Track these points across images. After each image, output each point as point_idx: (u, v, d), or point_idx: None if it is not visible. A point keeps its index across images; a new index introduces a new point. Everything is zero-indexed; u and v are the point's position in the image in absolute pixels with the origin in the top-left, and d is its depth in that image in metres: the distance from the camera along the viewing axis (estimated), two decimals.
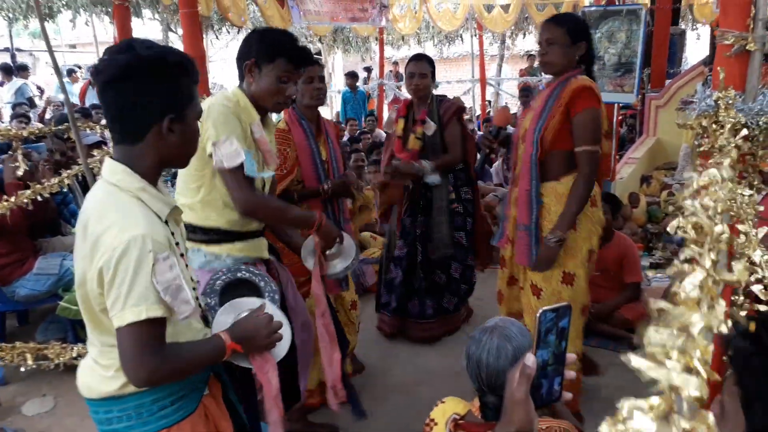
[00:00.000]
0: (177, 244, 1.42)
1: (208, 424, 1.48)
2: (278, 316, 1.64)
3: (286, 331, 1.62)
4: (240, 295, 1.72)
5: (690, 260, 0.68)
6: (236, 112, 1.98)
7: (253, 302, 1.67)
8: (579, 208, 2.44)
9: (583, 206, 2.46)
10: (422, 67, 3.43)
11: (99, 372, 1.39)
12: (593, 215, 2.54)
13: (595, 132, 2.42)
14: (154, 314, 1.26)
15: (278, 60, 2.00)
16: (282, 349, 1.61)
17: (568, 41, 2.43)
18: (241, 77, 2.07)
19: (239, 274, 1.81)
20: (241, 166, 1.91)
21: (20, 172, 2.87)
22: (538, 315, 0.93)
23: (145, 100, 1.32)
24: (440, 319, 3.72)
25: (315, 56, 2.65)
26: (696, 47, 12.83)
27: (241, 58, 2.05)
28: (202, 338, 1.51)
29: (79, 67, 10.68)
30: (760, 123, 1.27)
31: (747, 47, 1.30)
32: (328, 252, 2.23)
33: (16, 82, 9.29)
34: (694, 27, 11.04)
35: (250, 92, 2.04)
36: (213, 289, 1.78)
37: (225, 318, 1.60)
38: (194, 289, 1.51)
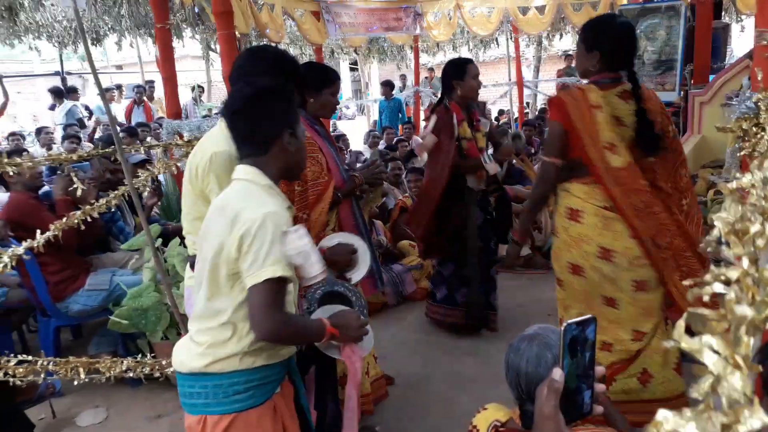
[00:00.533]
0: None
1: (276, 419, 1.63)
2: (365, 316, 1.90)
3: (370, 331, 1.85)
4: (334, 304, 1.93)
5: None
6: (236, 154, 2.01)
7: (344, 309, 1.88)
8: (527, 212, 2.72)
9: (531, 210, 2.70)
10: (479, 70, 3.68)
11: (192, 348, 1.59)
12: (571, 229, 2.49)
13: (547, 144, 2.53)
14: (286, 274, 1.49)
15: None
16: (368, 344, 1.84)
17: (584, 48, 2.44)
18: None
19: (336, 288, 2.00)
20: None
21: (79, 192, 2.97)
22: (562, 327, 0.93)
23: (268, 121, 1.61)
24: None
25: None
26: (741, 40, 12.42)
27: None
28: None
29: (119, 87, 11.03)
30: None
31: None
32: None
33: (67, 104, 9.67)
34: (739, 19, 10.67)
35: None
36: (313, 296, 1.96)
37: (321, 314, 1.81)
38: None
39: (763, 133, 1.20)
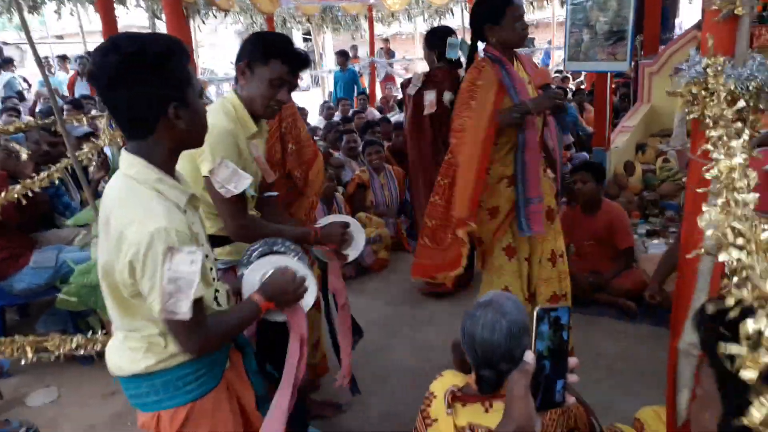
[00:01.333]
0: (197, 233, 1.46)
1: (231, 397, 1.59)
2: (303, 270, 1.74)
3: (311, 283, 1.74)
4: None
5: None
6: (235, 129, 1.94)
7: (276, 260, 1.76)
8: None
9: None
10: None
11: (127, 353, 1.48)
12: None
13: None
14: (196, 296, 1.34)
15: (272, 62, 1.93)
16: (310, 298, 1.74)
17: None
18: (236, 80, 2.03)
19: (275, 248, 1.87)
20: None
21: (24, 156, 2.82)
22: (535, 312, 0.93)
23: (145, 95, 1.33)
24: None
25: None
26: (689, 11, 12.70)
27: (236, 60, 2.00)
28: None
29: (64, 57, 10.53)
30: (750, 88, 1.25)
31: (735, 12, 1.27)
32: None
33: (4, 75, 9.19)
34: None
35: (244, 96, 1.98)
36: (249, 260, 1.83)
37: (252, 277, 1.71)
38: (214, 279, 1.57)
39: (712, 98, 1.22)
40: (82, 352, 2.94)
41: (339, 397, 2.88)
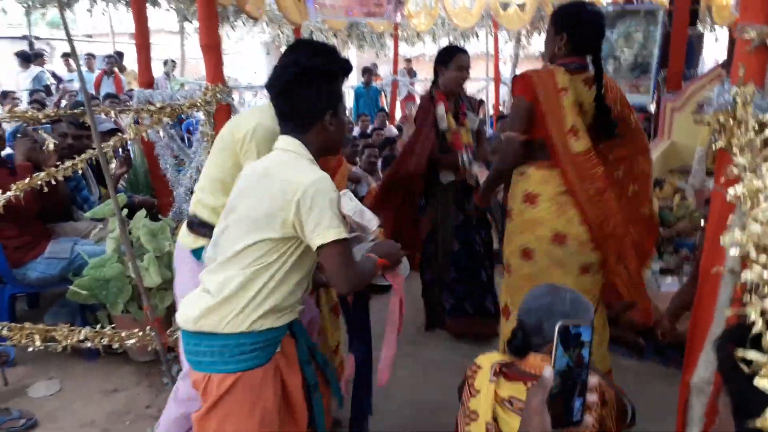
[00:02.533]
0: None
1: (276, 378, 1.71)
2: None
3: (404, 258, 1.97)
4: None
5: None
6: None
7: (368, 238, 2.05)
8: (486, 184, 2.77)
9: (490, 184, 2.74)
10: (469, 62, 3.51)
11: (206, 304, 1.63)
12: (526, 213, 2.51)
13: (511, 119, 2.52)
14: (347, 235, 1.60)
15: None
16: (405, 267, 1.98)
17: (552, 31, 2.47)
18: None
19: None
20: None
21: (51, 147, 2.86)
22: (556, 327, 0.92)
23: (312, 102, 1.67)
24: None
25: None
26: (714, 50, 12.70)
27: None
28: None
29: (92, 56, 10.69)
30: None
31: (767, 42, 1.27)
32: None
33: (34, 69, 9.35)
34: (713, 29, 10.91)
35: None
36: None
37: (356, 251, 1.90)
38: None
39: (739, 127, 1.21)
40: (89, 344, 2.95)
41: (338, 413, 2.85)
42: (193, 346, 1.68)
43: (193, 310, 1.67)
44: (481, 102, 10.04)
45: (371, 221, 1.74)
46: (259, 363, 1.65)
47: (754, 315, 0.60)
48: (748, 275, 0.62)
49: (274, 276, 1.62)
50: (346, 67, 1.75)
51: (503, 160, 2.56)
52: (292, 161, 1.65)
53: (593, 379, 0.96)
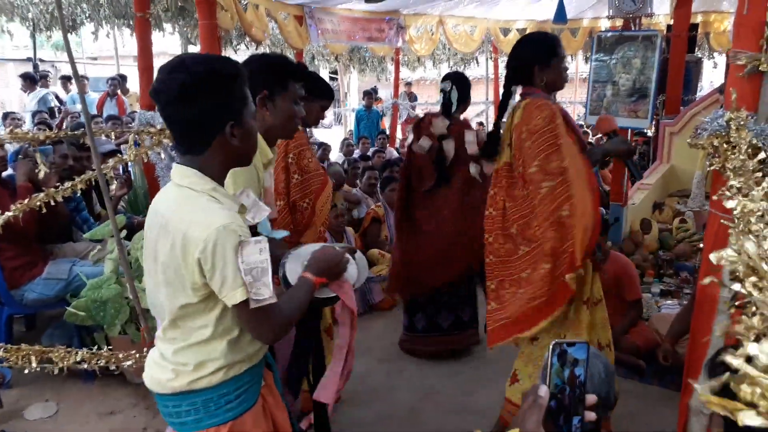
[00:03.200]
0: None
1: (266, 415, 1.62)
2: (338, 246, 1.85)
3: (351, 260, 1.83)
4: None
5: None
6: (254, 161, 1.88)
7: (312, 247, 1.86)
8: None
9: None
10: None
11: (170, 368, 1.50)
12: None
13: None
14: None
15: (290, 84, 1.99)
16: (352, 271, 1.80)
17: (544, 62, 2.56)
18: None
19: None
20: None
21: (41, 174, 2.87)
22: (550, 346, 0.92)
23: (206, 113, 1.41)
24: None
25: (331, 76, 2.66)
26: (713, 76, 12.81)
27: (251, 92, 2.01)
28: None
29: (87, 79, 10.77)
30: None
31: (760, 68, 1.29)
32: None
33: (40, 91, 9.43)
34: (711, 56, 11.03)
35: (265, 126, 1.96)
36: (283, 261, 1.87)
37: (293, 265, 1.78)
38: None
39: (733, 151, 1.23)
40: (85, 366, 2.93)
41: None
42: (173, 408, 1.54)
43: (161, 373, 1.53)
44: (480, 124, 10.13)
45: (263, 289, 1.42)
46: (247, 407, 1.56)
47: (743, 333, 0.60)
48: (737, 287, 0.62)
49: (231, 328, 1.49)
50: (241, 70, 1.47)
51: None
52: (187, 205, 1.43)
53: (591, 397, 0.96)
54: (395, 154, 8.55)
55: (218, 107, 1.42)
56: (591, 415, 0.96)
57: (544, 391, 0.92)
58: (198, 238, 1.35)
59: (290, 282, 1.72)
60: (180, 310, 1.46)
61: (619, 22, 5.74)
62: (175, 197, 1.46)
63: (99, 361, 2.90)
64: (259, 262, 1.37)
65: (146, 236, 1.53)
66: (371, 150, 8.26)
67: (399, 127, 11.22)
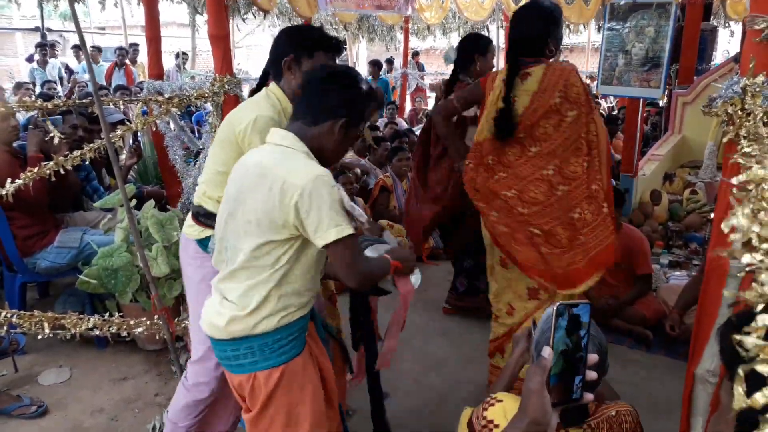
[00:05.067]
0: None
1: (312, 360, 1.80)
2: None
3: (418, 268, 1.98)
4: None
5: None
6: (280, 119, 2.03)
7: (389, 240, 2.10)
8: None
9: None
10: None
11: (228, 313, 1.67)
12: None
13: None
14: (351, 231, 1.59)
15: (317, 53, 2.06)
16: (417, 278, 1.97)
17: (547, 31, 2.56)
18: (278, 76, 2.09)
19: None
20: None
21: (56, 140, 2.88)
22: (555, 307, 0.92)
23: (338, 100, 1.68)
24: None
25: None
26: (729, 45, 12.54)
27: (279, 56, 2.07)
28: None
29: (98, 49, 10.74)
30: None
31: None
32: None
33: (52, 63, 9.45)
34: (727, 24, 10.78)
35: (291, 89, 2.07)
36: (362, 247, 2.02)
37: (372, 254, 1.96)
38: None
39: (748, 118, 1.20)
40: (97, 332, 2.97)
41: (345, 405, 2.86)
42: (231, 352, 1.71)
43: (218, 319, 1.70)
44: None
45: (362, 216, 1.75)
46: (298, 352, 1.72)
47: (754, 300, 0.60)
48: (747, 258, 0.62)
49: (292, 275, 1.66)
50: (377, 99, 1.82)
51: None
52: (286, 158, 1.64)
53: (592, 357, 0.97)
54: (404, 125, 8.49)
55: (348, 103, 1.69)
56: (592, 375, 0.97)
57: (547, 352, 0.93)
58: (297, 185, 1.54)
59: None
60: (258, 249, 1.61)
61: None
62: (274, 152, 1.66)
63: (111, 328, 2.94)
64: (348, 202, 1.62)
65: (236, 183, 1.70)
66: (381, 121, 8.19)
67: (408, 97, 11.12)
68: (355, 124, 1.73)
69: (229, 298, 1.70)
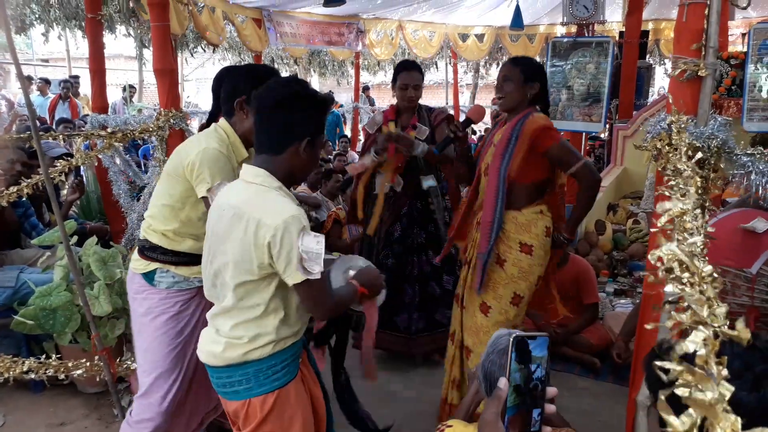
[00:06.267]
0: None
1: (305, 386, 1.87)
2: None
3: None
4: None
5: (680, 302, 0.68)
6: (228, 154, 2.09)
7: (354, 259, 2.06)
8: (584, 214, 2.69)
9: (587, 213, 2.70)
10: (416, 78, 3.42)
11: (225, 342, 1.74)
12: (546, 244, 2.61)
13: (574, 152, 2.57)
14: (317, 276, 1.63)
15: None
16: (382, 297, 2.03)
17: (522, 79, 2.56)
18: (230, 112, 2.12)
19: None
20: None
21: None
22: (512, 339, 0.93)
23: (295, 123, 1.70)
24: (433, 333, 3.61)
25: None
26: (663, 81, 13.21)
27: (234, 94, 2.09)
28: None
29: (47, 81, 10.49)
30: (711, 146, 1.30)
31: (699, 73, 1.34)
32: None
33: None
34: (662, 62, 11.38)
35: (242, 129, 2.11)
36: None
37: (336, 273, 1.95)
38: None
39: (675, 153, 1.27)
40: (33, 376, 2.84)
41: None
42: (226, 379, 1.77)
43: (215, 347, 1.76)
44: (450, 116, 10.18)
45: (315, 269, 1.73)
46: (291, 377, 1.79)
47: (669, 327, 0.62)
48: (669, 289, 0.65)
49: (281, 307, 1.73)
50: (329, 105, 1.83)
51: (597, 183, 2.61)
52: (260, 198, 1.68)
53: (551, 390, 0.98)
54: (356, 157, 8.54)
55: (305, 122, 1.70)
56: (551, 408, 0.98)
57: (503, 383, 0.94)
58: (270, 225, 1.59)
59: (332, 286, 1.91)
60: (241, 288, 1.68)
61: (573, 29, 5.87)
62: (247, 191, 1.71)
63: (47, 371, 2.81)
64: (315, 249, 1.62)
65: (214, 225, 1.76)
66: (333, 153, 8.23)
67: (360, 131, 11.23)
68: (318, 134, 1.76)
69: (221, 332, 1.77)
